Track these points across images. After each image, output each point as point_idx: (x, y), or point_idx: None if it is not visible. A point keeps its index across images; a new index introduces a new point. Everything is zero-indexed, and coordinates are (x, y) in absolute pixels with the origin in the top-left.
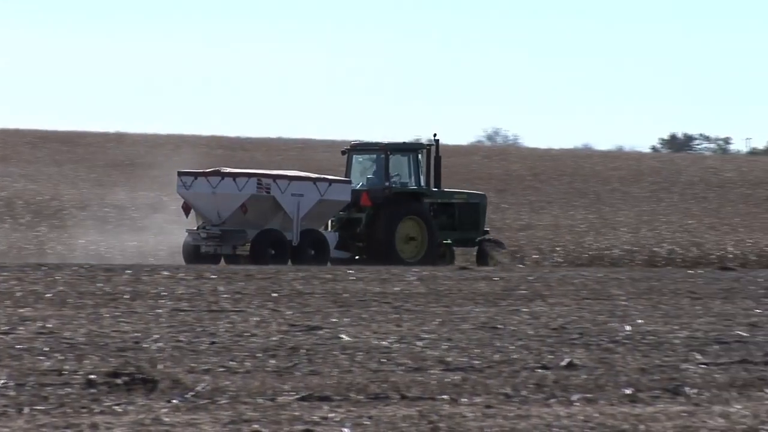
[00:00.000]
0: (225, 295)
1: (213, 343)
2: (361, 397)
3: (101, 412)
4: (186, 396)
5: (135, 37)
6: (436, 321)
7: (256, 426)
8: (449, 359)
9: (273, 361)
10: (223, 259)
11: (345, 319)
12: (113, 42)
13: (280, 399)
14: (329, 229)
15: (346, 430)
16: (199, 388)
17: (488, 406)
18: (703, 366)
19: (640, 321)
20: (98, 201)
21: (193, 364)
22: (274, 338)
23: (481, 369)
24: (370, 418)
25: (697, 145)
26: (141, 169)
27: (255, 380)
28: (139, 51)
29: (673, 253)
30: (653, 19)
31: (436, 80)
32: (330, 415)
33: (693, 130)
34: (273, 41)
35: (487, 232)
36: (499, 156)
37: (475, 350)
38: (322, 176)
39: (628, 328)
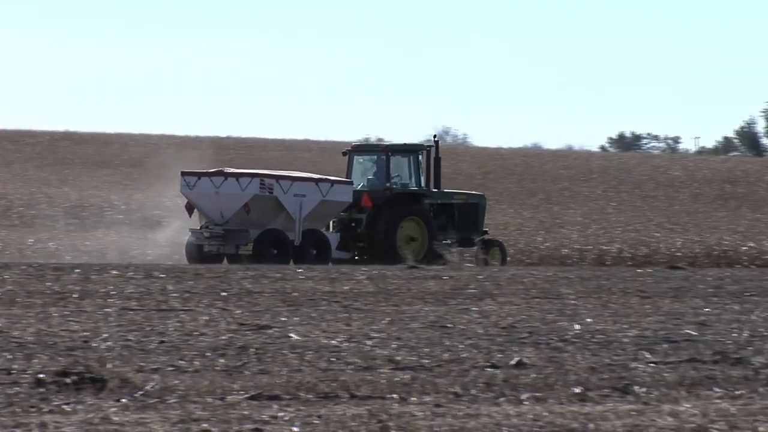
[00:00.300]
0: (174, 294)
1: (162, 342)
2: (311, 396)
3: (50, 412)
4: (135, 395)
5: (78, 36)
6: (385, 320)
7: (205, 425)
8: (399, 358)
9: (222, 360)
10: (225, 259)
11: (294, 318)
12: (57, 41)
13: (229, 398)
14: (331, 229)
15: (295, 429)
16: (148, 387)
17: (438, 405)
18: (652, 365)
19: (589, 320)
20: (47, 200)
21: (142, 363)
22: (223, 337)
23: (430, 368)
24: (319, 417)
25: (645, 144)
26: (90, 167)
27: (204, 379)
28: (83, 50)
29: (622, 252)
30: (601, 19)
31: (385, 79)
32: (279, 414)
33: (641, 130)
34: (218, 40)
35: (486, 232)
36: (449, 155)
37: (425, 349)
38: (325, 177)
39: (577, 327)
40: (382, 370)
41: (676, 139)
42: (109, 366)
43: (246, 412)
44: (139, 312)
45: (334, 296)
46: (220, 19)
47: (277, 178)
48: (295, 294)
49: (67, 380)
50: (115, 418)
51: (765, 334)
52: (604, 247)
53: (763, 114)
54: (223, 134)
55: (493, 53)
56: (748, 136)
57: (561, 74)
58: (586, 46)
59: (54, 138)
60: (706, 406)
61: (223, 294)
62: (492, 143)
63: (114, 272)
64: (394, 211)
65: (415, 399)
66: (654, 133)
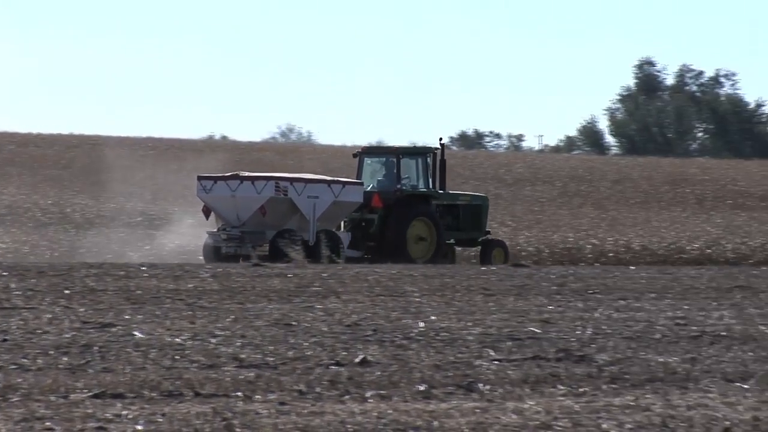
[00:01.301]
0: (17, 292)
1: (5, 340)
2: (155, 394)
3: None
4: None
5: None
6: (229, 318)
7: (48, 423)
8: (243, 356)
9: (65, 359)
10: (241, 259)
11: (138, 316)
12: None
13: (72, 396)
14: (342, 229)
15: (139, 427)
16: None
17: (282, 403)
18: (496, 362)
19: (433, 317)
20: None
21: None
22: (66, 335)
23: (275, 366)
24: (163, 415)
25: (488, 142)
26: None
27: (47, 378)
28: None
29: (466, 250)
30: (443, 17)
31: (229, 77)
32: (123, 412)
33: (484, 128)
34: (61, 36)
35: (488, 233)
36: (293, 152)
37: (269, 347)
38: (336, 179)
39: (421, 324)
40: (226, 368)
41: (519, 137)
42: None
43: (90, 411)
44: None
45: (178, 294)
46: (65, 16)
47: (292, 180)
48: (139, 292)
49: None
50: None
51: (608, 331)
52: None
53: (605, 112)
54: (65, 132)
55: (337, 51)
56: (590, 134)
57: (403, 72)
58: (427, 44)
59: None
60: (549, 404)
61: (67, 292)
62: (337, 141)
63: None
64: (403, 211)
65: (259, 397)
66: (497, 131)
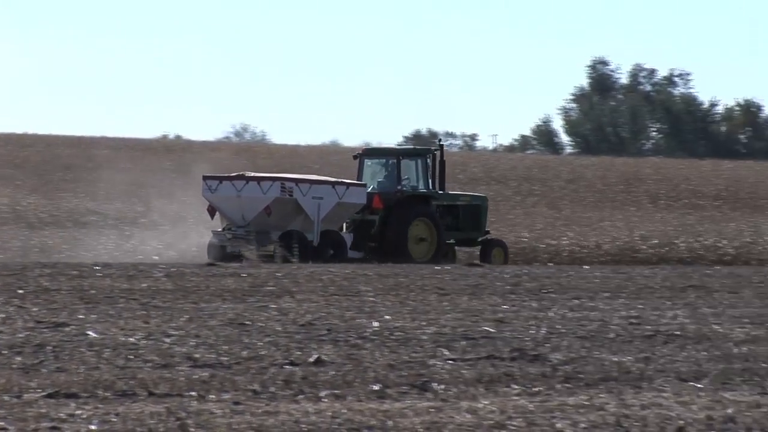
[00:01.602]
0: None
1: None
2: (109, 393)
3: None
4: None
5: None
6: (183, 317)
7: (1, 423)
8: (197, 356)
9: (19, 358)
10: (244, 260)
11: (92, 316)
12: None
13: (26, 396)
14: (344, 230)
15: (93, 427)
16: None
17: (236, 403)
18: (450, 362)
19: (387, 317)
20: None
21: None
22: (20, 335)
23: (229, 365)
24: (117, 414)
25: (443, 141)
26: None
27: (0, 377)
28: None
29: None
30: (399, 16)
31: (183, 76)
32: (77, 412)
33: (438, 127)
34: (13, 35)
35: (488, 233)
36: (246, 152)
37: (223, 347)
38: (340, 180)
39: (376, 324)
40: (180, 368)
41: (473, 137)
42: None
43: (43, 410)
44: None
45: (132, 294)
46: (14, 14)
47: (297, 181)
48: (93, 291)
49: None
50: None
51: (562, 331)
52: None
53: (559, 112)
54: (19, 131)
55: (290, 50)
56: (544, 134)
57: (356, 72)
58: (380, 44)
59: None
60: (504, 403)
61: (20, 291)
62: (291, 140)
63: None
64: (404, 212)
65: (213, 397)
66: (451, 131)
